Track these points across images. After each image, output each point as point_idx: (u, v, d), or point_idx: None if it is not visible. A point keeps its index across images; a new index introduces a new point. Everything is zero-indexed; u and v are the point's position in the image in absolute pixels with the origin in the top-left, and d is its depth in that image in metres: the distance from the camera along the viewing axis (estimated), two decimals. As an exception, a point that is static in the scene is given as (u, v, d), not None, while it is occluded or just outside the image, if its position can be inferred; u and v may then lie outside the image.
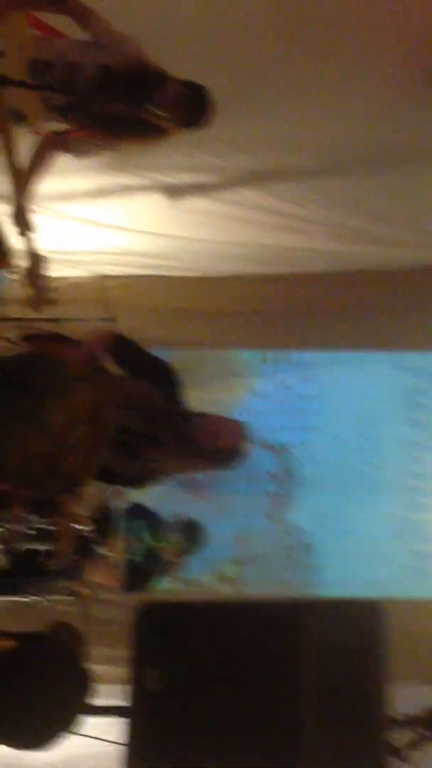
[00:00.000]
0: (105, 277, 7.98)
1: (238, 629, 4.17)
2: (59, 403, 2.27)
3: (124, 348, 5.10)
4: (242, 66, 5.89)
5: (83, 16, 4.76)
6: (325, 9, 5.62)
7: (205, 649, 4.11)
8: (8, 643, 3.74)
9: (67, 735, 3.66)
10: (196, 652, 4.11)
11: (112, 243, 7.81)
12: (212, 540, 7.06)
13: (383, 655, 4.10)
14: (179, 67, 5.00)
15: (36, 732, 3.60)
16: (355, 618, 4.23)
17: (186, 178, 7.03)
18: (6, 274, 6.72)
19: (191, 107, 4.91)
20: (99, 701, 3.90)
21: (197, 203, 7.25)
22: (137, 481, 5.24)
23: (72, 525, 5.54)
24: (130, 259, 8.06)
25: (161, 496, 7.34)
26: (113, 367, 4.98)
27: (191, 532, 6.81)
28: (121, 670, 4.94)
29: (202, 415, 5.10)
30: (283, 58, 5.87)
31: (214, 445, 4.97)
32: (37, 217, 5.05)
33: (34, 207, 5.08)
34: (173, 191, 7.16)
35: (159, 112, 4.83)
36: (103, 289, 6.93)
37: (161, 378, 5.22)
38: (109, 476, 5.20)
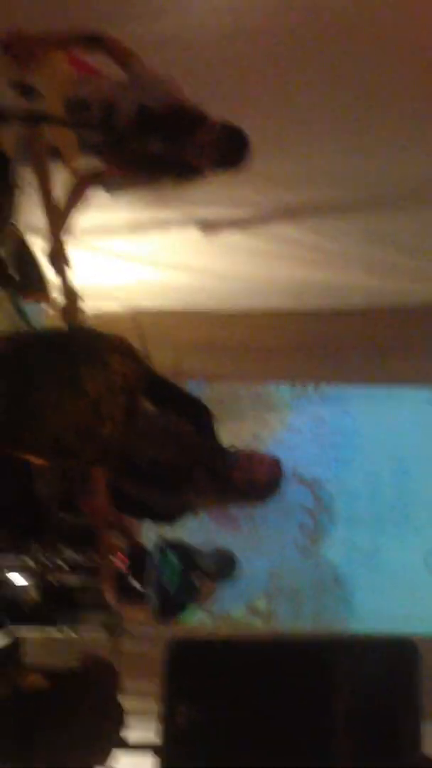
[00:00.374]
0: (140, 311, 8.01)
1: (270, 667, 4.15)
2: (96, 372, 2.31)
3: (156, 384, 5.11)
4: (279, 102, 5.92)
5: (121, 57, 4.79)
6: (364, 47, 5.64)
7: (237, 687, 4.09)
8: (41, 680, 3.74)
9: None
10: (228, 690, 4.09)
11: (147, 277, 7.84)
12: (244, 573, 7.03)
13: (417, 693, 4.07)
14: (217, 105, 5.03)
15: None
16: (389, 656, 4.20)
17: (222, 212, 7.05)
18: (43, 306, 6.77)
19: (229, 149, 4.91)
20: (130, 735, 3.90)
21: (233, 238, 7.26)
22: (170, 515, 5.24)
23: (113, 559, 5.53)
24: (165, 293, 8.09)
25: (194, 529, 7.33)
26: (145, 403, 4.98)
27: (224, 561, 6.79)
28: (153, 704, 4.93)
29: (236, 451, 5.09)
30: (320, 95, 5.89)
31: (248, 481, 4.95)
32: (72, 251, 5.08)
33: (70, 242, 5.11)
34: (209, 226, 7.18)
35: (196, 153, 4.84)
36: (137, 323, 6.94)
37: (194, 412, 5.21)
38: (141, 509, 5.20)
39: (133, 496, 4.96)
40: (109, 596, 5.76)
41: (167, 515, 5.19)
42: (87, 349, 2.37)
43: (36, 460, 2.56)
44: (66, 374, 2.31)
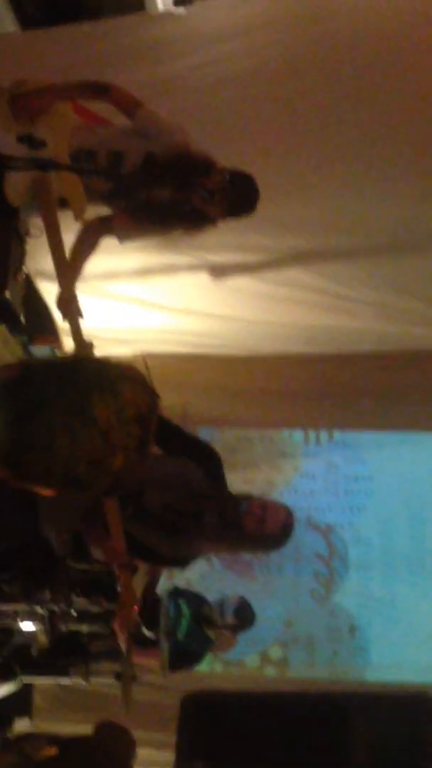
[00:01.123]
0: (149, 356, 7.99)
1: (286, 721, 4.09)
2: (106, 400, 2.28)
3: (164, 429, 5.07)
4: (288, 147, 5.92)
5: (127, 105, 4.79)
6: (376, 91, 5.65)
7: (251, 741, 4.04)
8: (51, 750, 3.68)
9: None
10: (242, 743, 4.04)
11: (157, 321, 7.83)
12: (257, 621, 6.96)
13: (434, 748, 4.01)
14: (225, 150, 5.02)
15: None
16: (406, 710, 4.15)
17: (232, 257, 7.04)
18: (56, 351, 6.76)
19: (238, 196, 4.91)
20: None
21: (243, 282, 7.25)
22: (180, 560, 5.20)
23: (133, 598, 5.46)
24: (176, 338, 8.07)
25: (208, 577, 7.29)
26: (155, 448, 4.94)
27: (243, 612, 6.72)
28: (164, 755, 4.87)
29: (247, 498, 5.05)
30: (330, 140, 5.89)
31: (260, 529, 4.91)
32: (82, 295, 5.06)
33: (80, 286, 5.08)
34: (219, 270, 7.17)
35: (205, 200, 4.83)
36: (147, 367, 6.91)
37: (204, 458, 5.19)
38: (151, 554, 5.16)
39: (142, 541, 4.93)
40: (123, 644, 5.69)
41: (177, 560, 5.15)
42: (97, 378, 2.34)
43: (45, 492, 2.52)
44: (75, 402, 2.28)
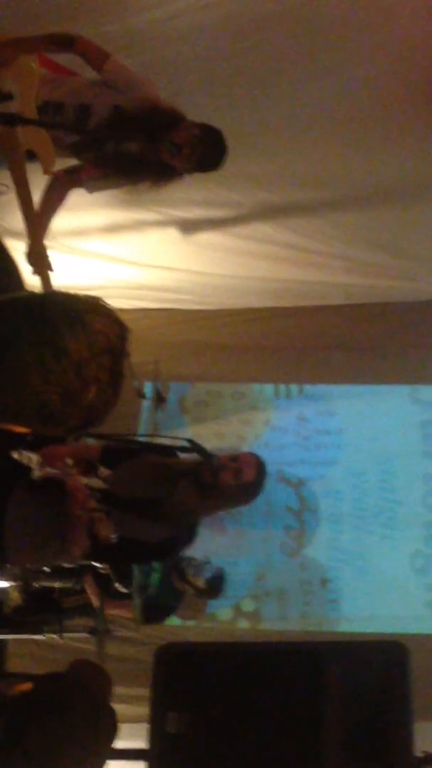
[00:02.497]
0: (119, 311, 7.96)
1: (259, 671, 4.12)
2: (76, 332, 2.27)
3: (110, 454, 5.12)
4: (259, 102, 5.90)
5: (94, 57, 4.76)
6: (343, 45, 5.63)
7: (225, 692, 4.06)
8: (26, 686, 3.68)
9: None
10: (216, 695, 4.06)
11: (126, 277, 7.81)
12: (229, 575, 6.99)
13: (407, 694, 4.04)
14: (194, 105, 5.01)
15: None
16: (379, 658, 4.18)
17: (201, 212, 7.03)
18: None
19: (206, 150, 4.90)
20: (118, 742, 3.84)
21: (212, 238, 7.25)
22: (168, 544, 5.23)
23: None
24: (145, 293, 8.06)
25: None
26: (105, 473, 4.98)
27: (214, 582, 6.74)
28: (139, 709, 4.89)
29: (215, 456, 5.09)
30: (298, 94, 5.88)
31: (239, 480, 4.95)
32: (51, 253, 5.04)
33: (48, 243, 5.07)
34: (188, 226, 7.16)
35: (173, 153, 4.82)
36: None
37: (149, 448, 5.24)
38: (138, 552, 5.19)
39: (128, 537, 4.93)
40: (94, 597, 5.72)
41: (169, 546, 5.19)
42: (66, 311, 2.32)
43: (20, 429, 2.51)
44: (46, 336, 2.26)
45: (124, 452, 5.20)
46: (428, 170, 6.41)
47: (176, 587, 6.62)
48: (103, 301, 2.44)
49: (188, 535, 5.28)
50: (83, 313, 2.35)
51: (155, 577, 6.54)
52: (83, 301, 2.41)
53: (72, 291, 2.46)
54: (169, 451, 5.22)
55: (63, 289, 2.50)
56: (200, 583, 6.58)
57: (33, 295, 2.49)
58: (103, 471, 4.95)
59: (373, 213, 6.96)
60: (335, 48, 5.68)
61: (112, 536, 4.66)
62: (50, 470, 4.46)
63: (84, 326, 2.30)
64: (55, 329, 2.27)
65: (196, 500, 4.97)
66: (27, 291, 2.57)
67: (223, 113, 5.38)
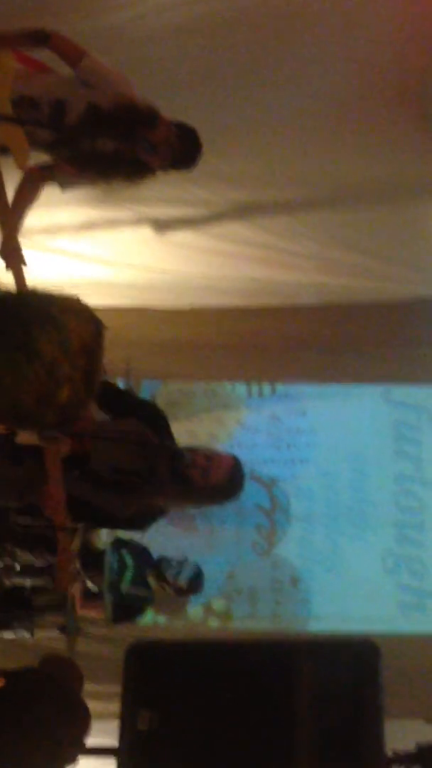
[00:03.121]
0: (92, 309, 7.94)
1: (230, 669, 4.13)
2: (49, 332, 2.25)
3: (107, 392, 5.09)
4: (231, 100, 5.90)
5: (69, 54, 4.76)
6: (319, 47, 5.64)
7: (197, 689, 4.07)
8: (0, 682, 3.68)
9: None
10: (187, 692, 4.07)
11: (98, 276, 7.79)
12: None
13: (378, 693, 4.06)
14: (168, 102, 5.01)
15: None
16: (350, 656, 4.19)
17: (174, 211, 7.02)
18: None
19: (181, 148, 4.92)
20: (89, 739, 3.84)
21: (185, 237, 7.24)
22: (137, 520, 5.22)
23: (71, 559, 5.47)
24: (117, 292, 8.04)
25: (150, 530, 7.30)
26: (98, 413, 4.96)
27: (195, 580, 6.76)
28: (110, 706, 4.89)
29: (192, 451, 5.08)
30: (275, 93, 5.88)
31: (205, 481, 4.95)
32: (23, 250, 5.03)
33: (21, 241, 5.05)
34: (161, 224, 7.15)
35: (148, 151, 4.83)
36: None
37: (148, 416, 5.21)
38: (108, 519, 5.18)
39: (95, 505, 4.94)
40: (65, 588, 5.70)
41: (136, 521, 5.18)
42: (39, 310, 2.31)
43: None
44: (18, 337, 2.25)
45: (120, 403, 5.18)
46: (402, 171, 6.43)
47: (151, 587, 6.63)
48: (78, 300, 2.44)
49: (151, 519, 5.28)
50: (57, 312, 2.34)
51: (127, 576, 6.55)
52: (58, 300, 2.40)
53: (47, 289, 2.45)
54: (158, 425, 5.21)
55: (38, 287, 2.48)
56: (181, 583, 6.60)
57: (6, 295, 2.48)
58: (98, 412, 4.94)
59: (346, 213, 6.98)
60: (311, 47, 5.69)
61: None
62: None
63: (57, 326, 2.29)
64: (26, 330, 2.25)
65: (168, 488, 4.98)
66: (1, 290, 2.55)
67: (196, 112, 5.37)
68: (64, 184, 5.19)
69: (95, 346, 2.38)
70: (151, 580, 6.65)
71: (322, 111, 6.00)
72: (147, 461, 4.93)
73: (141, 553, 6.80)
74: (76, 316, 2.36)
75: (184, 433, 6.93)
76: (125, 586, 6.52)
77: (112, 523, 5.43)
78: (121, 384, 6.77)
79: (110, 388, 5.30)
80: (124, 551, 6.69)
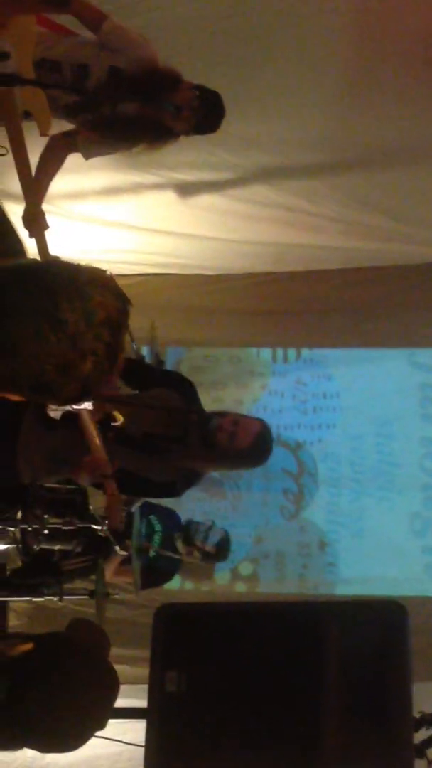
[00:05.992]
0: (116, 276, 7.94)
1: (257, 631, 4.14)
2: (74, 303, 2.26)
3: (132, 368, 5.10)
4: (257, 63, 5.87)
5: (91, 18, 4.73)
6: (344, 6, 5.60)
7: (224, 652, 4.08)
8: (26, 646, 3.70)
9: (90, 736, 3.63)
10: (215, 654, 4.08)
11: (123, 242, 7.79)
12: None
13: (405, 655, 4.06)
14: (192, 66, 4.99)
15: (59, 734, 3.56)
16: (376, 618, 4.19)
17: (199, 175, 7.01)
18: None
19: (203, 112, 4.90)
20: (117, 701, 3.87)
21: (210, 201, 7.23)
22: (173, 486, 5.23)
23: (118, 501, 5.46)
24: (142, 258, 8.04)
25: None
26: (125, 389, 4.97)
27: (223, 545, 6.77)
28: (138, 670, 4.91)
29: (221, 415, 5.09)
30: (298, 56, 5.85)
31: (231, 446, 4.96)
32: (48, 217, 5.03)
33: (45, 207, 5.05)
34: (186, 189, 7.14)
35: (171, 116, 4.81)
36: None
37: (175, 383, 5.22)
38: (143, 485, 5.19)
39: (130, 470, 4.95)
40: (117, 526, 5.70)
41: (171, 487, 5.20)
42: (66, 281, 2.32)
43: (15, 397, 2.51)
44: (44, 306, 2.26)
45: (146, 378, 5.19)
46: (428, 133, 6.38)
47: (180, 552, 6.64)
48: (105, 273, 2.44)
49: (186, 485, 5.29)
50: (84, 284, 2.34)
51: (156, 541, 6.56)
52: (85, 272, 2.40)
53: (75, 261, 2.46)
54: (185, 391, 5.22)
55: (66, 259, 2.49)
56: (209, 548, 6.61)
57: (34, 264, 2.48)
58: (125, 388, 4.95)
59: (372, 176, 6.94)
60: (335, 7, 5.65)
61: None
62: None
63: (83, 298, 2.30)
64: (53, 300, 2.26)
65: (197, 452, 5.00)
66: (29, 259, 2.56)
67: (219, 75, 5.35)
68: (87, 152, 5.17)
69: (120, 320, 2.39)
70: (179, 545, 6.66)
71: (346, 73, 5.96)
72: (177, 427, 4.94)
73: (169, 517, 6.81)
74: (103, 290, 2.36)
75: (210, 400, 6.92)
76: (154, 552, 6.53)
77: (148, 490, 5.43)
78: (146, 351, 6.75)
79: (135, 364, 5.32)
80: (152, 517, 6.70)
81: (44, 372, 2.28)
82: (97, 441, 4.55)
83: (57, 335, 2.25)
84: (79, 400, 2.46)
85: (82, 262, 2.48)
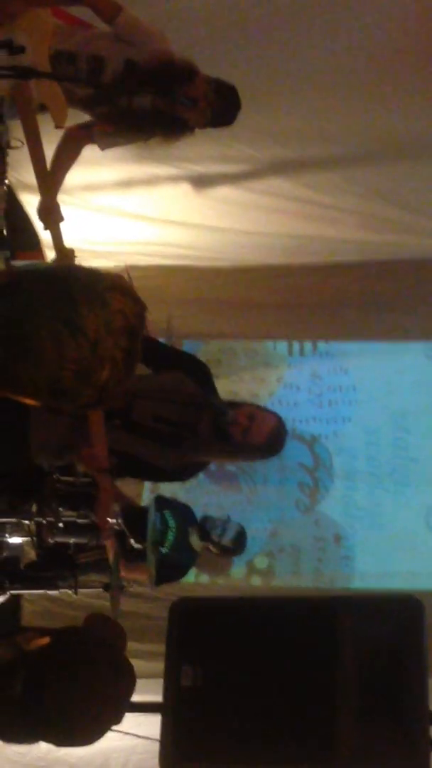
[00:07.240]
0: (132, 268, 7.95)
1: (273, 625, 4.13)
2: (95, 310, 2.26)
3: (149, 347, 5.09)
4: (273, 56, 5.86)
5: (106, 11, 4.73)
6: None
7: (239, 646, 4.07)
8: (43, 640, 3.70)
9: (107, 730, 3.63)
10: (230, 649, 4.08)
11: (139, 233, 7.79)
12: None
13: (421, 649, 4.05)
14: (208, 59, 4.98)
15: (75, 729, 3.57)
16: (392, 612, 4.18)
17: (215, 167, 7.00)
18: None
19: (219, 105, 4.89)
20: (133, 696, 3.87)
21: (226, 193, 7.22)
22: (179, 472, 5.23)
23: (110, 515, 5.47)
24: (159, 250, 8.04)
25: (191, 488, 7.31)
26: (141, 368, 4.96)
27: (239, 539, 6.76)
28: (153, 665, 4.91)
29: (237, 407, 5.08)
30: (315, 48, 5.84)
31: (244, 440, 4.95)
32: (64, 208, 5.03)
33: (62, 198, 5.05)
34: (202, 181, 7.13)
35: (187, 108, 4.81)
36: (130, 280, 6.89)
37: (190, 368, 5.21)
38: (149, 470, 5.18)
39: (136, 456, 4.95)
40: (111, 556, 5.73)
41: (177, 473, 5.19)
42: (86, 287, 2.32)
43: (30, 402, 2.51)
44: (64, 312, 2.26)
45: (161, 357, 5.19)
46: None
47: (195, 547, 6.63)
48: (124, 280, 2.44)
49: (192, 471, 5.29)
50: (104, 290, 2.34)
51: (170, 537, 6.56)
52: (105, 278, 2.40)
53: (94, 268, 2.46)
54: (201, 378, 5.21)
55: (85, 266, 2.49)
56: (226, 542, 6.59)
57: (56, 269, 2.48)
58: (140, 368, 4.95)
59: (388, 168, 6.93)
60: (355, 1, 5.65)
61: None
62: None
63: (104, 304, 2.30)
64: (74, 306, 2.26)
65: (209, 443, 4.99)
66: (49, 263, 2.56)
67: (235, 67, 5.35)
68: (103, 144, 5.17)
69: (138, 327, 2.39)
70: (195, 540, 6.64)
71: (363, 66, 5.95)
72: (190, 415, 4.93)
73: (184, 512, 6.80)
74: (122, 296, 2.36)
75: (226, 392, 6.91)
76: (168, 547, 6.52)
77: (154, 475, 5.44)
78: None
79: (151, 343, 5.30)
80: (166, 510, 6.69)
81: (62, 378, 2.28)
82: (100, 433, 4.56)
83: (77, 341, 2.25)
84: (95, 407, 2.46)
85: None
